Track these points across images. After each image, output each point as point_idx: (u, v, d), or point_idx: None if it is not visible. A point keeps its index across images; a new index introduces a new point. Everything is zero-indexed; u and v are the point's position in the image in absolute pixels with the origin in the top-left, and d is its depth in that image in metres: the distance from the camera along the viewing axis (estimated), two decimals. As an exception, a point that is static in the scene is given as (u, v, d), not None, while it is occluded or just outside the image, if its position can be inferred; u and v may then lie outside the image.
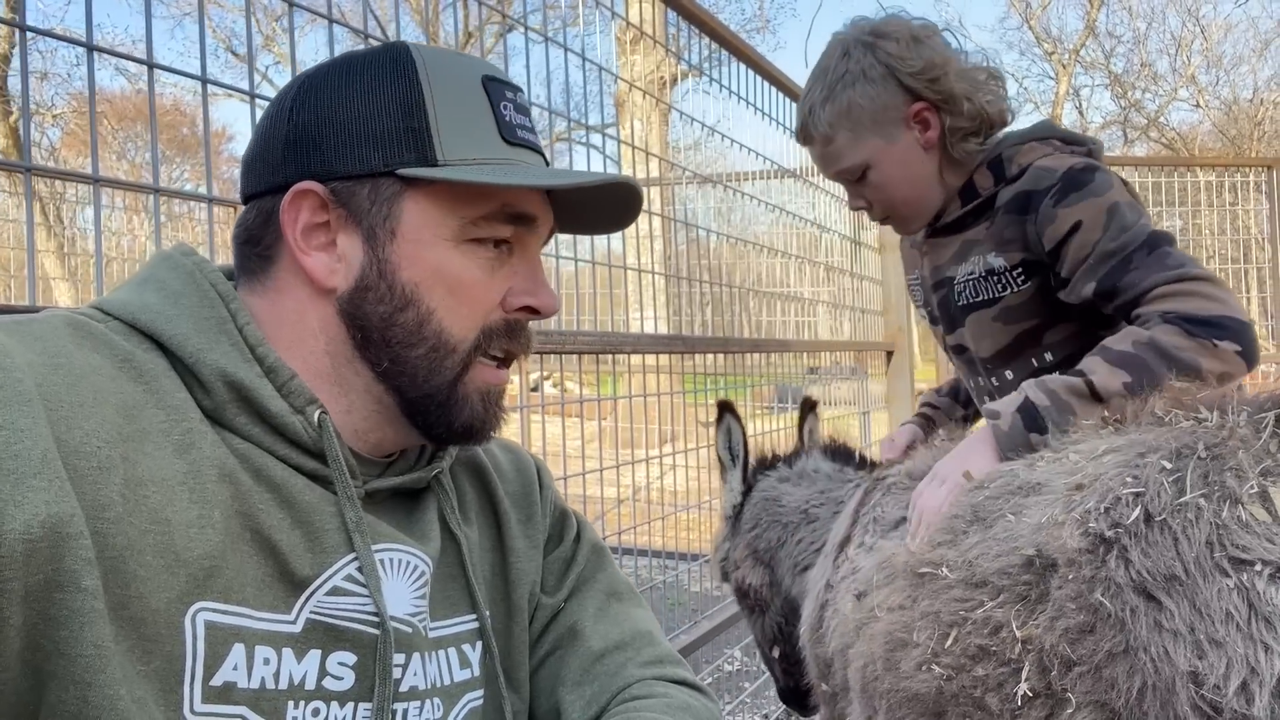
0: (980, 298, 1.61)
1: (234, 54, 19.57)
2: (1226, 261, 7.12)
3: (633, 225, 0.98)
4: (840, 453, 1.98)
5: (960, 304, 1.65)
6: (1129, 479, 1.00)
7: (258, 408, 0.78)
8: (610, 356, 2.83)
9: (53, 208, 10.08)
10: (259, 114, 0.92)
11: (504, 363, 0.89)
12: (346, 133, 0.81)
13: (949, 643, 1.09)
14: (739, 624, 3.19)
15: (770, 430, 3.85)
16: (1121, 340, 1.34)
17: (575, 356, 2.29)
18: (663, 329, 3.63)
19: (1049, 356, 1.59)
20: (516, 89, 0.88)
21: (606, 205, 0.92)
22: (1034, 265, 1.55)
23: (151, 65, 1.30)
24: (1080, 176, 1.50)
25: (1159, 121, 25.26)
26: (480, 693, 0.90)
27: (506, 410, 0.91)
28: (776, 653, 1.97)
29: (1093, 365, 1.33)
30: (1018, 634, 1.01)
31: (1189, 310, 1.32)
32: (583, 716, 0.94)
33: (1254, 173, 6.89)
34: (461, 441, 0.89)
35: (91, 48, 1.21)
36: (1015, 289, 1.57)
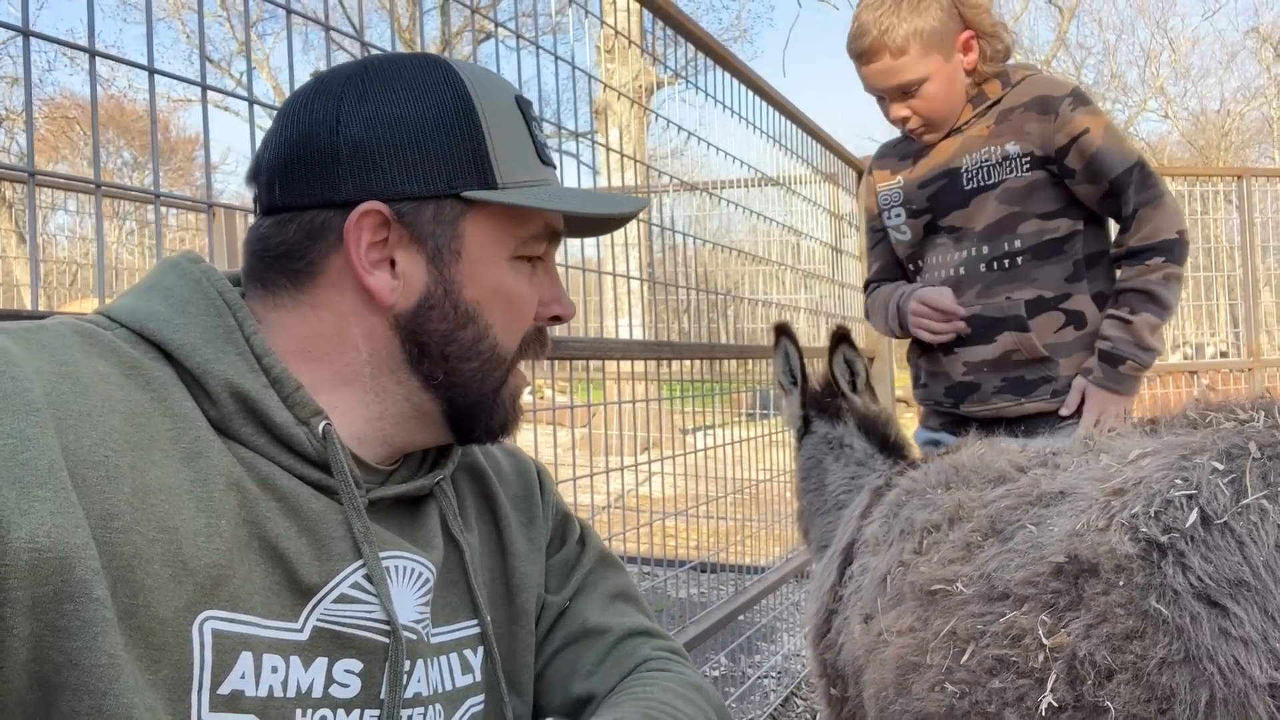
0: (990, 180, 2.02)
1: (209, 60, 19.41)
2: (1198, 270, 7.21)
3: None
4: (874, 431, 1.93)
5: (968, 187, 2.06)
6: (1178, 481, 0.96)
7: (263, 419, 0.78)
8: (589, 364, 2.81)
9: (24, 214, 9.94)
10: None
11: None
12: (409, 151, 0.82)
13: (964, 659, 1.05)
14: (723, 630, 3.19)
15: (749, 438, 3.85)
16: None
17: (554, 364, 2.27)
18: (642, 335, 3.62)
19: (1017, 244, 2.03)
20: (530, 103, 0.92)
21: (602, 217, 0.97)
22: (1038, 160, 1.98)
23: (93, 53, 1.26)
24: (1084, 95, 2.00)
25: (1129, 131, 25.59)
26: (481, 698, 0.91)
27: (523, 408, 0.96)
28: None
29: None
30: (1046, 642, 0.98)
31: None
32: (601, 689, 0.97)
33: (1223, 183, 6.99)
34: (492, 440, 0.94)
35: (27, 33, 1.17)
36: (1018, 174, 1.99)
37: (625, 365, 2.97)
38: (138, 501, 0.67)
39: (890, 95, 2.03)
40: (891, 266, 2.30)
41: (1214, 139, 24.19)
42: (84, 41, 1.25)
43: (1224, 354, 7.36)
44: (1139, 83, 26.17)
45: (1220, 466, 0.95)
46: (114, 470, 0.66)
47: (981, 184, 2.03)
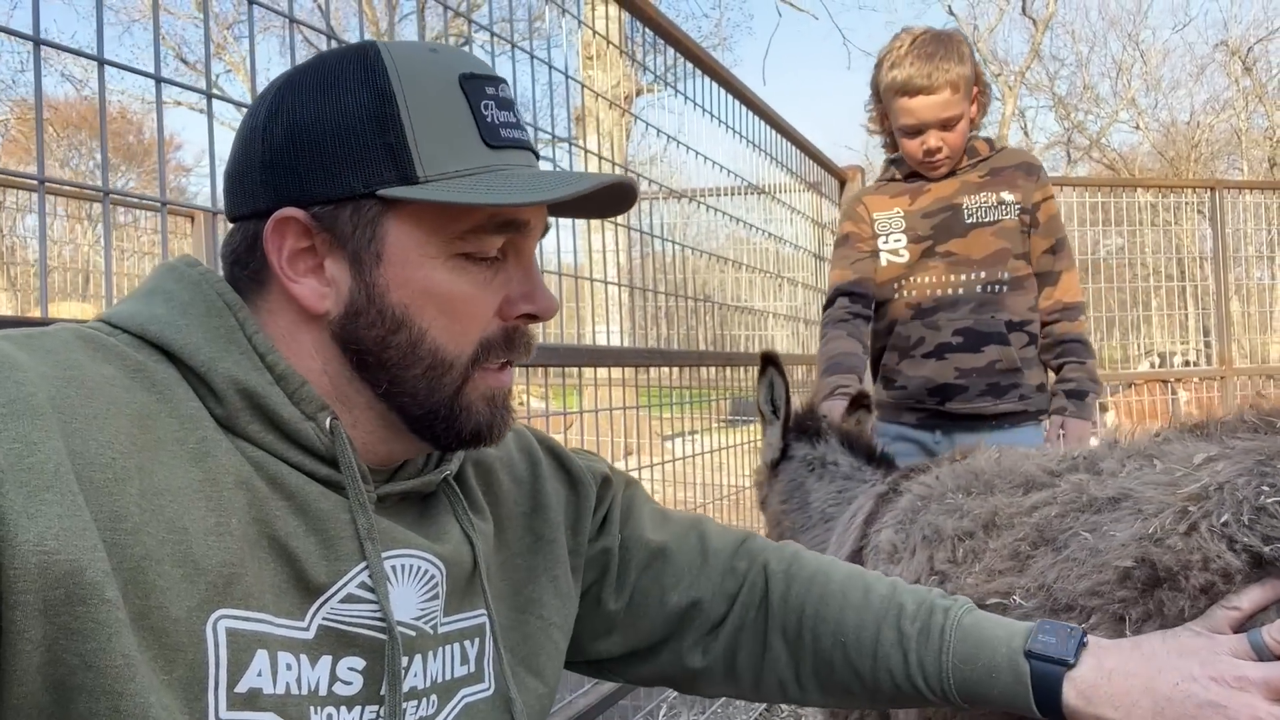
0: (989, 219, 2.49)
1: (184, 61, 19.27)
2: (1167, 279, 7.31)
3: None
4: (857, 445, 1.94)
5: (969, 221, 2.50)
6: (1265, 487, 0.93)
7: (270, 415, 0.77)
8: (569, 370, 2.81)
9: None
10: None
11: (506, 365, 0.88)
12: (321, 153, 0.79)
13: None
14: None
15: (729, 445, 3.86)
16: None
17: (531, 370, 2.26)
18: (624, 343, 3.62)
19: (1005, 275, 2.48)
20: (499, 81, 0.84)
21: (601, 195, 0.88)
22: (1022, 209, 2.49)
23: (102, 62, 1.25)
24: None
25: (1101, 142, 25.93)
26: (477, 688, 0.90)
27: (514, 410, 0.90)
28: None
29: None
30: None
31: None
32: (719, 589, 1.06)
33: (1193, 194, 7.09)
34: (471, 446, 0.89)
35: (38, 41, 1.16)
36: (1012, 217, 2.48)
37: (604, 371, 2.97)
38: (146, 503, 0.67)
39: (934, 126, 2.42)
40: (866, 281, 2.60)
41: (1184, 150, 24.54)
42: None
43: (1190, 363, 7.46)
44: (1111, 94, 26.54)
45: None
46: (121, 472, 0.66)
47: (980, 220, 2.50)
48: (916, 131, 2.45)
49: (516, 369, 0.91)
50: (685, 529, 1.11)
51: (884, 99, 2.49)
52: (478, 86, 0.82)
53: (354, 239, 0.80)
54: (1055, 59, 26.41)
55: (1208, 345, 7.04)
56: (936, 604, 1.01)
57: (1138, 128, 26.45)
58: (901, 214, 2.56)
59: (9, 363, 0.65)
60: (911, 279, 2.55)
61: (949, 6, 24.97)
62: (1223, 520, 0.93)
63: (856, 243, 2.62)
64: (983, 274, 2.49)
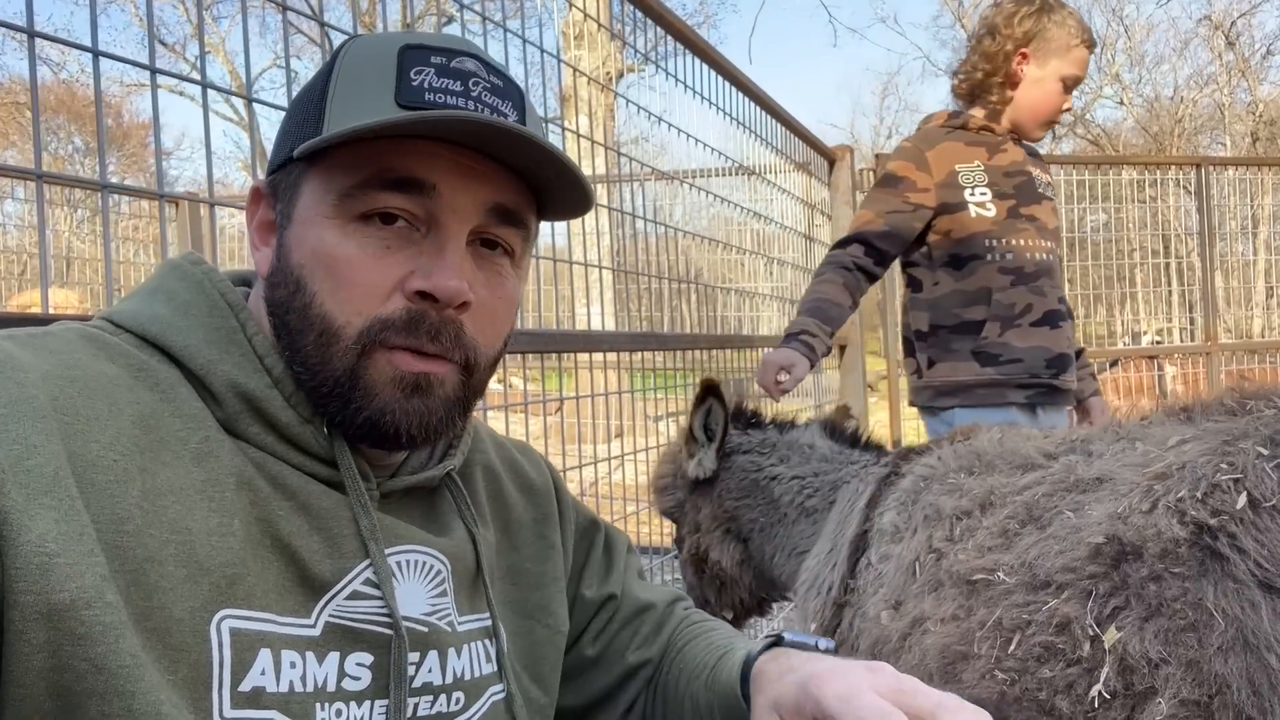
0: (1047, 194, 2.50)
1: (163, 43, 19.04)
2: (1153, 255, 7.33)
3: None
4: (839, 431, 1.90)
5: (1039, 190, 2.48)
6: (1223, 465, 0.96)
7: (269, 418, 0.78)
8: (559, 352, 2.79)
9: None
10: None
11: (425, 355, 0.79)
12: (283, 132, 0.85)
13: (1011, 648, 1.04)
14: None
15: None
16: None
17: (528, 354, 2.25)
18: (610, 325, 3.60)
19: (1055, 246, 2.49)
20: (458, 54, 0.80)
21: (563, 187, 0.83)
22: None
23: (96, 53, 1.23)
24: None
25: (1086, 118, 25.97)
26: (499, 688, 0.90)
27: (439, 402, 0.80)
28: (729, 615, 1.97)
29: None
30: (1106, 647, 0.96)
31: None
32: (654, 655, 1.04)
33: (1178, 170, 7.11)
34: (374, 442, 0.80)
35: (32, 33, 1.15)
36: (1053, 199, 2.50)
37: (596, 355, 2.95)
38: (148, 504, 0.67)
39: (1078, 86, 2.47)
40: (894, 237, 2.37)
41: (1167, 125, 24.63)
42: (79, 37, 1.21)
43: (1161, 341, 7.49)
44: (1095, 69, 26.54)
45: (1265, 451, 0.95)
46: (123, 474, 0.66)
47: (1045, 194, 2.49)
48: (1075, 84, 2.46)
49: (479, 357, 0.81)
50: (662, 592, 1.11)
51: (1043, 42, 2.37)
52: (419, 55, 0.78)
53: (283, 201, 0.83)
54: (1040, 35, 26.36)
55: (1192, 321, 7.07)
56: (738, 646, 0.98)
57: (1122, 103, 26.52)
58: (982, 167, 2.43)
59: (11, 363, 0.66)
60: (1005, 240, 2.38)
61: (934, -18, 24.87)
62: (1179, 496, 0.98)
63: (906, 191, 2.38)
64: (1055, 245, 2.47)
